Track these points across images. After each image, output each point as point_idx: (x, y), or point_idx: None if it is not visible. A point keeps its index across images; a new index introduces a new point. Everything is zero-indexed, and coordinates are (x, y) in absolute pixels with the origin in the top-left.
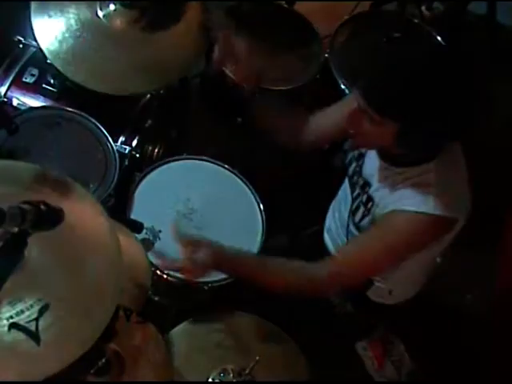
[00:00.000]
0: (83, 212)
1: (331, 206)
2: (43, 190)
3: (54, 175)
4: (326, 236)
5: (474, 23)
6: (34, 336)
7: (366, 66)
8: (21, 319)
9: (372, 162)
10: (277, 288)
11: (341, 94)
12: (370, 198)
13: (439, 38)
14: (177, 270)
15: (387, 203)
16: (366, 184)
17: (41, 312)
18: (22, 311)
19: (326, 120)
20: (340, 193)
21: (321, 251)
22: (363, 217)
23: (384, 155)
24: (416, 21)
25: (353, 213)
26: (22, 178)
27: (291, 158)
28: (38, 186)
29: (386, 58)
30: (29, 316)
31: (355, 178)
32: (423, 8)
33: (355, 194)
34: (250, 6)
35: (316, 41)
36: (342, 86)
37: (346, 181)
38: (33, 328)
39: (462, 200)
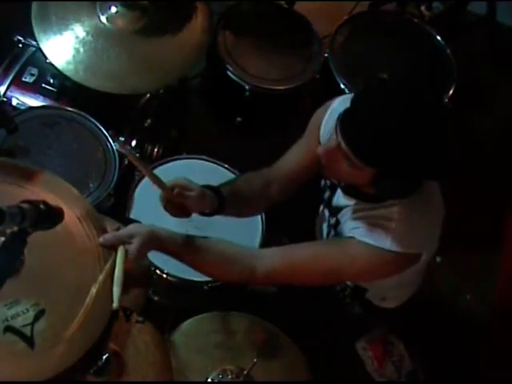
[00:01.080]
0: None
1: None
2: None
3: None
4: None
5: (473, 23)
6: (29, 340)
7: (349, 110)
8: (16, 322)
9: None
10: (204, 270)
11: (341, 94)
12: (338, 221)
13: (439, 38)
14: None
15: (349, 227)
16: (338, 210)
17: (36, 317)
18: (18, 315)
19: (291, 163)
20: (321, 208)
21: None
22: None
23: (351, 193)
24: (416, 21)
25: (327, 235)
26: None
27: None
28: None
29: (366, 100)
30: (24, 320)
31: (328, 205)
32: (423, 8)
33: (328, 217)
34: (249, 5)
35: (316, 41)
36: (342, 86)
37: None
38: (28, 332)
39: (426, 236)
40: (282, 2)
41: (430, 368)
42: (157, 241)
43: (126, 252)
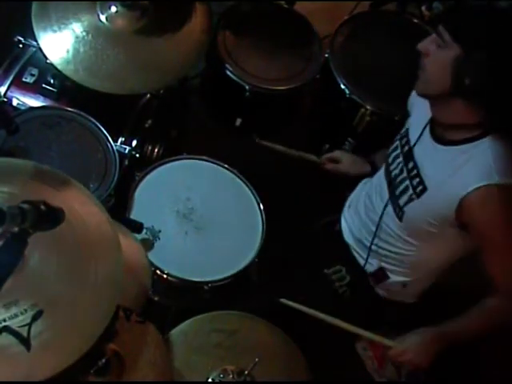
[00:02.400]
0: (83, 210)
1: (350, 198)
2: (41, 188)
3: (52, 172)
4: (345, 227)
5: None
6: (25, 341)
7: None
8: (13, 323)
9: (423, 145)
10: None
11: (341, 94)
12: (421, 182)
13: None
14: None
15: (446, 190)
16: (414, 167)
17: (34, 318)
18: (16, 315)
19: None
20: (374, 180)
21: (335, 242)
22: (410, 200)
23: (437, 135)
24: (416, 21)
25: (397, 197)
26: (20, 175)
27: (291, 157)
28: (36, 183)
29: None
30: (22, 321)
31: (395, 164)
32: (423, 8)
33: (401, 177)
34: (249, 5)
35: (316, 41)
36: (342, 86)
37: (383, 168)
38: (24, 333)
39: None
40: (282, 2)
41: (430, 368)
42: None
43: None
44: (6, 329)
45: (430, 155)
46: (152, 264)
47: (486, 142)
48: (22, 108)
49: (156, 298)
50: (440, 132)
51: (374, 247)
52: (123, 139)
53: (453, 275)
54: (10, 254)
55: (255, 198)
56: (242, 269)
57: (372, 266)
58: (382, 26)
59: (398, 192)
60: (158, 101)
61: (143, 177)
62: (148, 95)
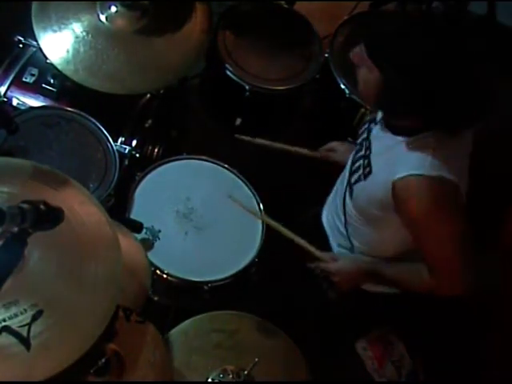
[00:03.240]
0: (83, 210)
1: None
2: (41, 187)
3: (51, 171)
4: (324, 219)
5: (473, 23)
6: (25, 341)
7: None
8: (13, 323)
9: (379, 128)
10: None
11: (341, 94)
12: (369, 163)
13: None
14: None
15: (384, 175)
16: (368, 148)
17: (34, 318)
18: (16, 315)
19: None
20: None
21: (320, 235)
22: (358, 180)
23: (387, 123)
24: None
25: (351, 173)
26: (19, 175)
27: (291, 157)
28: (35, 182)
29: (395, 20)
30: (21, 321)
31: (363, 137)
32: (423, 8)
33: (359, 155)
34: (249, 5)
35: (316, 41)
36: (342, 86)
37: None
38: (24, 333)
39: (461, 168)
40: (282, 2)
41: (430, 368)
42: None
43: None
44: (6, 329)
45: (380, 139)
46: (152, 264)
47: (429, 134)
48: (22, 108)
49: (156, 298)
50: (391, 124)
51: (345, 233)
52: (123, 139)
53: None
54: (10, 253)
55: (255, 198)
56: (241, 269)
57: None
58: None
59: (353, 169)
60: (158, 101)
61: (143, 177)
62: (148, 95)
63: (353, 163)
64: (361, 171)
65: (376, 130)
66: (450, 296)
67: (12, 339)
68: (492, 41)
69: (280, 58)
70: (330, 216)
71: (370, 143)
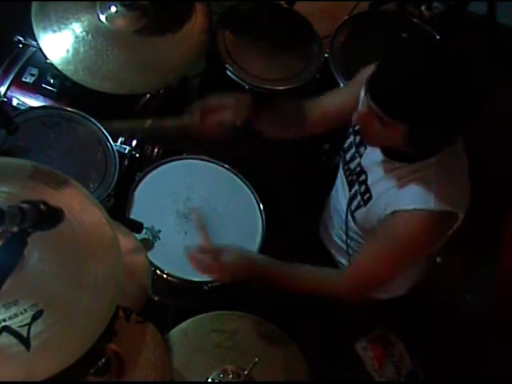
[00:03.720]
0: (82, 210)
1: (326, 201)
2: (40, 187)
3: (50, 171)
4: (321, 230)
5: (473, 23)
6: (25, 341)
7: (375, 72)
8: (13, 323)
9: (373, 153)
10: (299, 294)
11: None
12: (367, 190)
13: (439, 38)
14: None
15: (387, 202)
16: (363, 173)
17: (34, 318)
18: (16, 315)
19: (334, 104)
20: (337, 182)
21: (322, 251)
22: (358, 207)
23: (387, 150)
24: (416, 21)
25: (350, 200)
26: (19, 175)
27: (291, 157)
28: (35, 182)
29: (390, 59)
30: (21, 321)
31: (352, 164)
32: (423, 8)
33: (349, 180)
34: (249, 5)
35: (316, 41)
36: (342, 85)
37: (341, 168)
38: (24, 333)
39: (463, 194)
40: (282, 2)
41: (429, 368)
42: (250, 260)
43: None
44: (6, 329)
45: (376, 165)
46: (152, 264)
47: (432, 161)
48: (22, 108)
49: (156, 298)
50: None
51: (344, 247)
52: (123, 139)
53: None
54: (10, 253)
55: (255, 197)
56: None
57: (343, 265)
58: (381, 26)
59: (351, 195)
60: (158, 101)
61: (143, 177)
62: (148, 95)
63: (349, 189)
64: (359, 198)
65: (368, 154)
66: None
67: (12, 339)
68: (492, 41)
69: (280, 57)
70: (326, 233)
71: (362, 169)
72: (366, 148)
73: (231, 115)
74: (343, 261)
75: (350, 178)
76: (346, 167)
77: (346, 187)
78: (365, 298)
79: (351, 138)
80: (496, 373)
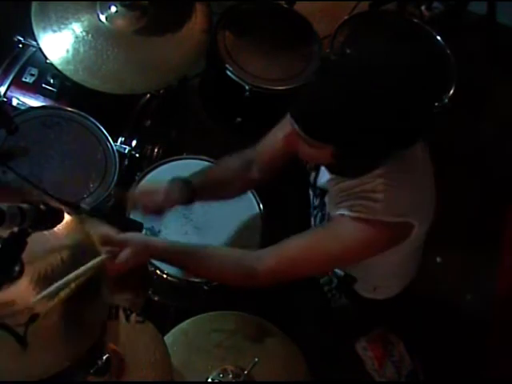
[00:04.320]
0: None
1: None
2: None
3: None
4: None
5: (473, 23)
6: (22, 340)
7: (299, 96)
8: (10, 322)
9: (324, 172)
10: (209, 277)
11: None
12: (324, 204)
13: (439, 38)
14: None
15: (335, 205)
16: (323, 191)
17: (31, 318)
18: (13, 315)
19: (270, 144)
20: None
21: None
22: (321, 220)
23: (331, 169)
24: (416, 21)
25: (316, 214)
26: None
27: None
28: None
29: (312, 83)
30: (19, 320)
31: (314, 187)
32: (423, 8)
33: (316, 201)
34: (249, 6)
35: (316, 41)
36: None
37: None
38: (21, 333)
39: (415, 205)
40: (282, 2)
41: (429, 368)
42: (152, 251)
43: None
44: (3, 326)
45: (328, 182)
46: (152, 264)
47: (378, 173)
48: (22, 108)
49: (156, 298)
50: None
51: None
52: (123, 139)
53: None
54: (10, 253)
55: (255, 198)
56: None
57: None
58: (381, 25)
59: (316, 210)
60: (158, 101)
61: (143, 177)
62: (148, 95)
63: (314, 203)
64: (320, 214)
65: (323, 175)
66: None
67: (9, 337)
68: (492, 41)
69: (280, 57)
70: None
71: (321, 189)
72: (319, 169)
73: (161, 200)
74: None
75: (315, 200)
76: (312, 190)
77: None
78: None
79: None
80: (496, 373)
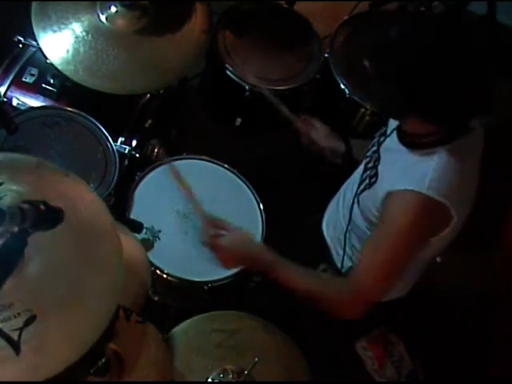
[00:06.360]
0: (85, 203)
1: (335, 197)
2: (44, 184)
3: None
4: (324, 225)
5: (473, 23)
6: (15, 345)
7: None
8: (5, 326)
9: (391, 140)
10: (304, 296)
11: (341, 94)
12: (376, 174)
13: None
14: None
15: (386, 184)
16: (378, 158)
17: (26, 323)
18: (9, 318)
19: None
20: (354, 175)
21: (320, 242)
22: (364, 189)
23: (401, 135)
24: None
25: (359, 183)
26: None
27: (291, 157)
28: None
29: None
30: (13, 325)
31: (372, 150)
32: (423, 8)
33: (369, 165)
34: (249, 5)
35: (316, 41)
36: (342, 86)
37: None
38: (15, 337)
39: (459, 191)
40: (282, 2)
41: (429, 368)
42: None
43: None
44: None
45: (389, 151)
46: (152, 264)
47: (435, 151)
48: (22, 108)
49: (156, 298)
50: (403, 133)
51: (347, 248)
52: (123, 139)
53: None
54: (10, 254)
55: (255, 197)
56: (241, 269)
57: (345, 265)
58: (381, 26)
59: (361, 179)
60: (158, 101)
61: (143, 177)
62: (148, 95)
63: (362, 174)
64: (367, 181)
65: (387, 142)
66: (349, 314)
67: (2, 342)
68: (492, 41)
69: (280, 57)
70: (330, 223)
71: (379, 155)
72: (385, 137)
73: (316, 138)
74: (335, 255)
75: (367, 165)
76: (367, 155)
77: (361, 173)
78: (368, 304)
79: (375, 139)
80: (496, 373)
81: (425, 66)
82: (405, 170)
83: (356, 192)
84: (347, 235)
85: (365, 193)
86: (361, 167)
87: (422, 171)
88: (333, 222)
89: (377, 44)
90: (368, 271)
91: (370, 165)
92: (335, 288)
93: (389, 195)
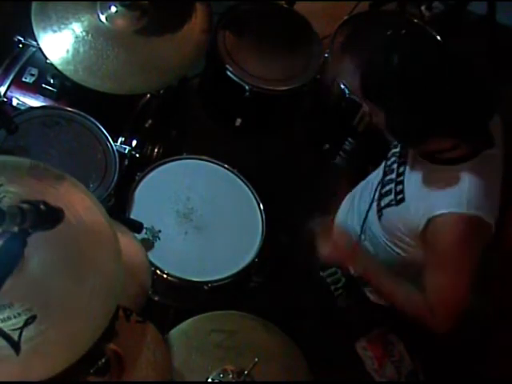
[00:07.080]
0: (81, 207)
1: (347, 199)
2: (40, 185)
3: (49, 169)
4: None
5: (473, 23)
6: (15, 345)
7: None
8: (5, 326)
9: (415, 158)
10: (398, 305)
11: (341, 94)
12: (402, 191)
13: (439, 38)
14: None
15: (420, 207)
16: (402, 174)
17: (26, 322)
18: (9, 318)
19: None
20: (369, 178)
21: None
22: (389, 204)
23: (423, 152)
24: (416, 21)
25: (381, 196)
26: (22, 174)
27: (291, 157)
28: (36, 180)
29: (384, 49)
30: (14, 324)
31: (393, 160)
32: (423, 8)
33: (388, 178)
34: (249, 6)
35: (316, 41)
36: (342, 86)
37: (382, 165)
38: (15, 337)
39: (492, 203)
40: (282, 2)
41: (429, 368)
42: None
43: None
44: None
45: (414, 167)
46: (152, 264)
47: (465, 166)
48: (22, 108)
49: (156, 298)
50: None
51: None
52: (123, 139)
53: None
54: (10, 254)
55: (255, 197)
56: (241, 269)
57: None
58: (381, 26)
59: (383, 191)
60: (158, 101)
61: (143, 177)
62: (148, 95)
63: (382, 186)
64: (392, 196)
65: (410, 156)
66: (437, 331)
67: (2, 342)
68: (492, 41)
69: (280, 58)
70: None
71: (404, 169)
72: (402, 152)
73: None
74: None
75: (386, 178)
76: (387, 164)
77: (376, 186)
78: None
79: (398, 147)
80: (496, 373)
81: (434, 83)
82: (437, 191)
83: (374, 199)
84: (361, 237)
85: (391, 208)
86: (377, 172)
87: (455, 191)
88: (344, 225)
89: (377, 82)
90: (450, 302)
91: (391, 177)
92: (420, 311)
93: (431, 221)
